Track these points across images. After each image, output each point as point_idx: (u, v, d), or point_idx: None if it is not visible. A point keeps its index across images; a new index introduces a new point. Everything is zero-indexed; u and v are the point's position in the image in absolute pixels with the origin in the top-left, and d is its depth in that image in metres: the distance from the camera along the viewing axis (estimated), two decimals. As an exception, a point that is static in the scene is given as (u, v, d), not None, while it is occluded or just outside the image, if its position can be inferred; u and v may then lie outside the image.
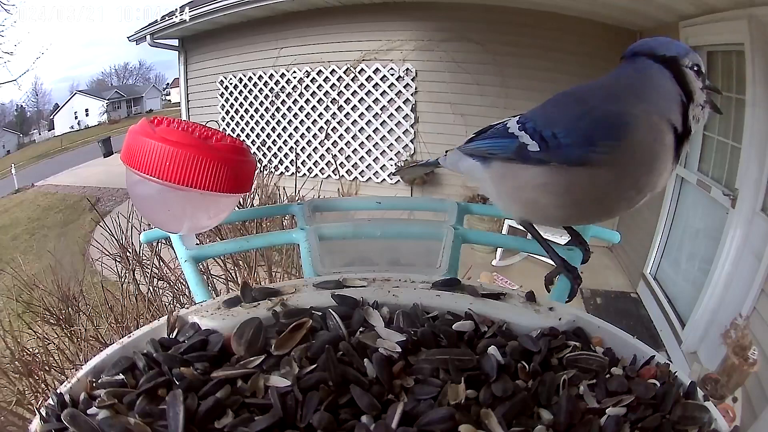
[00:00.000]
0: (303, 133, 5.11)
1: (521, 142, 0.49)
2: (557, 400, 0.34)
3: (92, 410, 0.32)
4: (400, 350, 0.35)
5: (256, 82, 5.26)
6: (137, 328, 0.41)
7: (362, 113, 4.78)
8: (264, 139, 5.34)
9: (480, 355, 0.36)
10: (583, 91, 0.51)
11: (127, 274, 2.19)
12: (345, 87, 4.80)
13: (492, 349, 0.36)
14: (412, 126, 4.63)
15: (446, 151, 0.64)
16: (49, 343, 1.91)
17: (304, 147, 5.14)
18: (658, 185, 0.47)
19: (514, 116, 0.55)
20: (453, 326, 0.39)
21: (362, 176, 4.92)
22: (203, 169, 0.45)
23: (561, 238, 0.59)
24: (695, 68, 0.47)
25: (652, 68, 0.48)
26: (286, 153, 5.24)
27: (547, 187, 0.48)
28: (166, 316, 0.41)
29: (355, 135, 4.86)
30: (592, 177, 0.46)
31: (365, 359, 0.35)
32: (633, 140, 0.44)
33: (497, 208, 0.56)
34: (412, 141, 4.66)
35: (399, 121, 4.65)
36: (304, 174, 5.07)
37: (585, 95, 0.50)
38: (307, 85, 4.97)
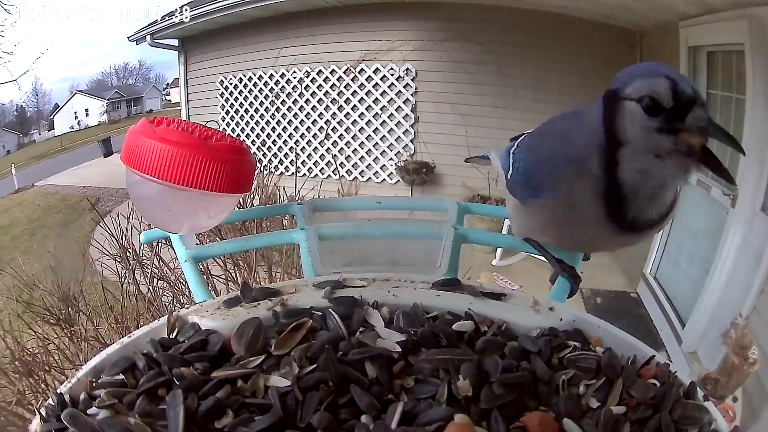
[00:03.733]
0: (303, 133, 5.11)
1: (509, 167, 0.52)
2: (557, 400, 0.34)
3: (92, 410, 0.32)
4: (400, 350, 0.35)
5: (256, 82, 5.26)
6: (137, 328, 0.41)
7: (362, 113, 4.78)
8: (264, 139, 5.34)
9: (480, 354, 0.36)
10: (547, 128, 0.50)
11: (127, 274, 2.19)
12: (345, 87, 4.80)
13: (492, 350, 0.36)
14: (412, 126, 4.64)
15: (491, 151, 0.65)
16: (49, 343, 1.91)
17: (304, 147, 5.14)
18: (604, 237, 0.42)
19: (524, 134, 0.55)
20: (453, 326, 0.39)
21: (362, 176, 4.92)
22: (203, 169, 0.45)
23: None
24: (645, 101, 0.35)
25: (593, 105, 0.40)
26: (286, 153, 5.24)
27: (520, 211, 0.50)
28: (166, 316, 0.41)
29: (355, 135, 4.86)
30: (540, 214, 0.47)
31: (365, 359, 0.35)
32: (561, 191, 0.42)
33: (500, 209, 0.58)
34: (412, 141, 4.66)
35: (399, 121, 4.66)
36: (304, 174, 5.07)
37: (546, 133, 0.49)
38: (307, 85, 4.97)
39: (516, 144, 0.53)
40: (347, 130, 4.89)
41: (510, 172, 0.51)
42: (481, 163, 0.72)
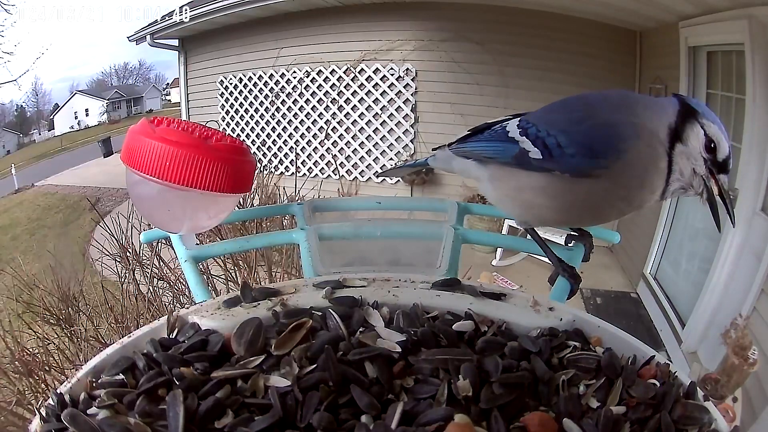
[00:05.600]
0: (303, 133, 5.11)
1: (522, 148, 0.49)
2: (557, 400, 0.34)
3: (92, 410, 0.32)
4: (400, 350, 0.35)
5: (256, 82, 5.26)
6: (137, 328, 0.41)
7: (362, 113, 4.78)
8: (264, 139, 5.34)
9: (480, 354, 0.36)
10: (589, 99, 0.50)
11: (127, 274, 2.19)
12: (345, 87, 4.80)
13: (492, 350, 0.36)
14: (412, 126, 4.63)
15: (434, 149, 0.62)
16: (49, 343, 1.91)
17: (304, 147, 5.14)
18: (646, 201, 0.48)
19: (512, 117, 0.54)
20: (453, 326, 0.39)
21: (362, 176, 4.92)
22: (203, 169, 0.45)
23: (560, 238, 0.59)
24: (711, 142, 0.45)
25: (670, 101, 0.47)
26: (286, 153, 5.24)
27: (546, 191, 0.48)
28: (166, 316, 0.41)
29: (355, 135, 4.86)
30: (590, 186, 0.46)
31: (365, 359, 0.35)
32: (632, 155, 0.45)
33: (495, 206, 0.56)
34: (412, 141, 4.66)
35: (399, 121, 4.66)
36: (304, 174, 5.07)
37: (591, 104, 0.50)
38: (307, 85, 4.97)
39: (521, 121, 0.50)
40: (347, 130, 4.89)
41: (536, 151, 0.48)
42: (401, 174, 0.70)
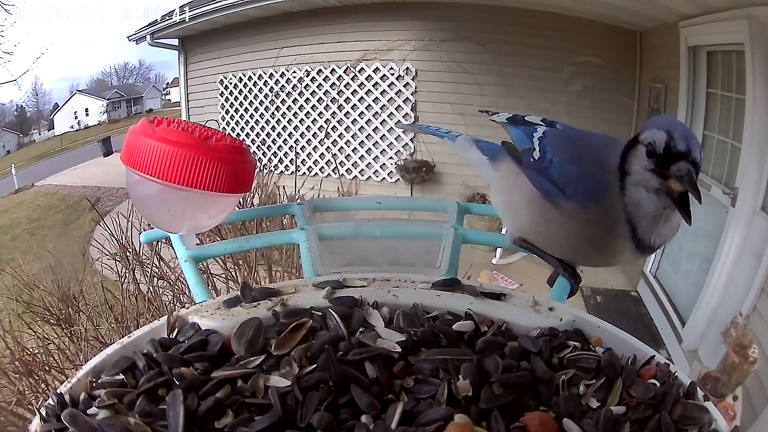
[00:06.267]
0: (303, 133, 5.11)
1: (533, 157, 0.50)
2: (557, 400, 0.34)
3: (92, 410, 0.32)
4: (400, 350, 0.35)
5: (256, 82, 5.26)
6: (137, 328, 0.41)
7: (362, 112, 4.78)
8: (264, 139, 5.34)
9: (480, 354, 0.36)
10: (580, 137, 0.52)
11: (127, 274, 2.19)
12: (345, 86, 4.80)
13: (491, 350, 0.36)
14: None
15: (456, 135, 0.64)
16: (49, 343, 1.91)
17: (303, 146, 5.14)
18: (618, 253, 0.46)
19: (542, 122, 0.54)
20: (453, 326, 0.39)
21: (362, 175, 4.92)
22: (203, 169, 0.45)
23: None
24: (648, 146, 0.42)
25: (624, 142, 0.46)
26: (286, 152, 5.24)
27: (532, 205, 0.50)
28: (166, 316, 0.41)
29: (355, 134, 4.86)
30: (566, 218, 0.47)
31: (365, 359, 0.35)
32: (605, 203, 0.45)
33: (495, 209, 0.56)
34: (411, 140, 4.66)
35: (399, 121, 4.65)
36: (304, 173, 5.07)
37: (579, 142, 0.51)
38: (307, 85, 4.97)
39: (542, 133, 0.51)
40: (347, 129, 4.89)
41: (539, 159, 0.49)
42: (412, 130, 0.70)
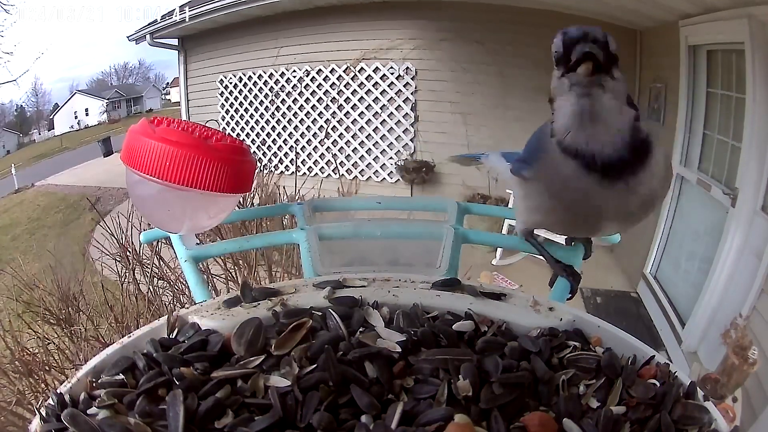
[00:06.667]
0: (303, 133, 5.11)
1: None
2: (557, 400, 0.34)
3: (92, 410, 0.32)
4: (400, 350, 0.35)
5: (256, 82, 5.26)
6: (137, 328, 0.41)
7: (362, 112, 4.78)
8: (264, 139, 5.34)
9: (480, 354, 0.36)
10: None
11: (127, 274, 2.19)
12: (345, 86, 4.80)
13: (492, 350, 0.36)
14: (412, 125, 4.63)
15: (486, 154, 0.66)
16: (49, 343, 1.91)
17: (304, 146, 5.14)
18: (587, 205, 0.44)
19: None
20: (453, 326, 0.39)
21: (362, 175, 4.92)
22: (203, 169, 0.45)
23: (561, 238, 0.59)
24: (554, 56, 0.41)
25: None
26: (286, 152, 5.24)
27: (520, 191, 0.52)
28: (166, 316, 0.41)
29: (355, 134, 4.86)
30: (530, 188, 0.49)
31: (365, 359, 0.35)
32: (545, 161, 0.46)
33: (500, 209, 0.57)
34: (411, 140, 4.66)
35: (399, 120, 4.66)
36: (304, 173, 5.07)
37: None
38: (307, 85, 4.97)
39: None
40: (347, 129, 4.89)
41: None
42: (464, 163, 0.72)
